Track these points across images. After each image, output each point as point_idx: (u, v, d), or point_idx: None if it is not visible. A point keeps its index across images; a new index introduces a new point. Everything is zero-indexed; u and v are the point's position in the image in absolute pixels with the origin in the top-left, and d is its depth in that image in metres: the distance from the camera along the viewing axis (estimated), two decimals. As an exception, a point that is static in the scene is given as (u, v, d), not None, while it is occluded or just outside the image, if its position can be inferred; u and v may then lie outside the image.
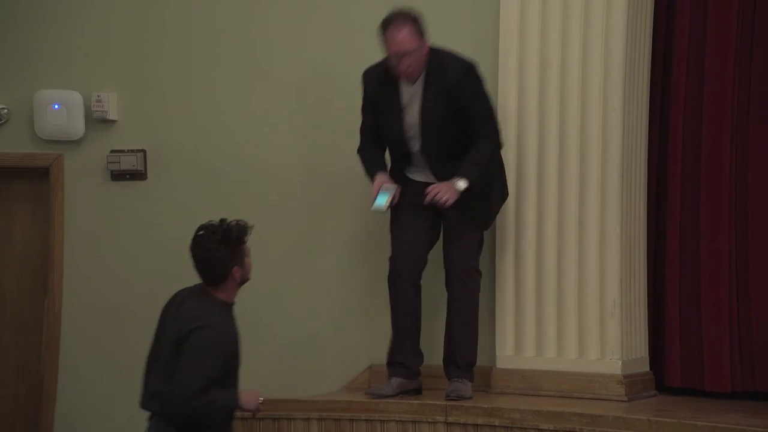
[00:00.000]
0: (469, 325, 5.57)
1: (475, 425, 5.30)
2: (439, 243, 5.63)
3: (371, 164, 5.55)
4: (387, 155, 5.64)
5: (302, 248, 6.21)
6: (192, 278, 4.88)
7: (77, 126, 6.42)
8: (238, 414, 4.92)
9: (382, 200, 5.40)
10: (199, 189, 6.31)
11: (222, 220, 4.81)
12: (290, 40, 6.22)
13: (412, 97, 5.42)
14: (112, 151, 6.40)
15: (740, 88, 5.67)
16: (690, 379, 5.73)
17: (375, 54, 5.51)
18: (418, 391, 5.62)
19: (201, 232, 4.80)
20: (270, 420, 5.51)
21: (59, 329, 6.45)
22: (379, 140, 5.58)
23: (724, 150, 5.67)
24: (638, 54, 5.69)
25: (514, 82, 5.75)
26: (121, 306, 6.36)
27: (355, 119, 5.68)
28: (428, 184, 5.41)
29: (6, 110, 6.53)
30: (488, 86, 5.53)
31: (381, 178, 5.47)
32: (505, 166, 5.64)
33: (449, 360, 5.57)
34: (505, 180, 5.64)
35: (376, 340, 5.90)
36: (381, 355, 5.75)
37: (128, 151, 6.38)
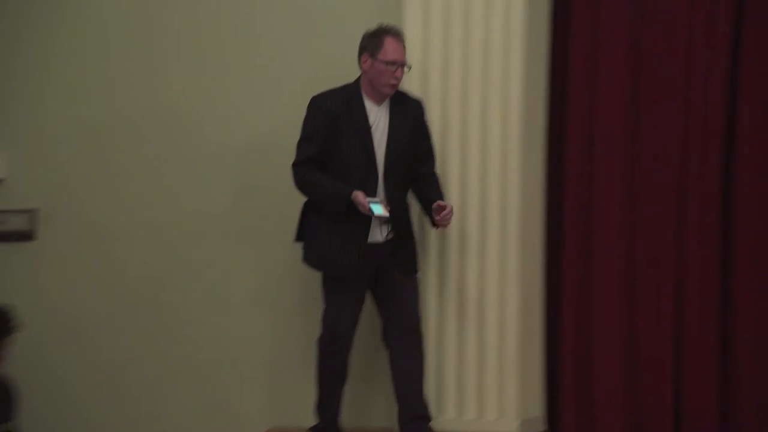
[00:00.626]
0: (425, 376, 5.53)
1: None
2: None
3: (334, 183, 5.31)
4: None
5: (203, 308, 6.13)
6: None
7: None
8: None
9: (378, 208, 5.22)
10: (91, 251, 6.18)
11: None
12: (186, 95, 6.16)
13: (377, 118, 5.40)
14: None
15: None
16: (585, 437, 5.84)
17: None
18: None
19: None
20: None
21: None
22: (324, 171, 5.38)
23: (617, 209, 5.84)
24: (536, 67, 5.80)
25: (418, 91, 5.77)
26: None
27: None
28: (371, 245, 5.36)
29: None
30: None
31: (358, 192, 5.25)
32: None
33: (418, 416, 5.45)
34: None
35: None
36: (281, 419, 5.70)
37: (16, 211, 6.22)
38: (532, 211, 5.79)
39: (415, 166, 5.44)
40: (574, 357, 5.87)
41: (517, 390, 5.66)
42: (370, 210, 5.18)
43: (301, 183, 5.36)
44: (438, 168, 5.57)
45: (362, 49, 5.41)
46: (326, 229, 5.35)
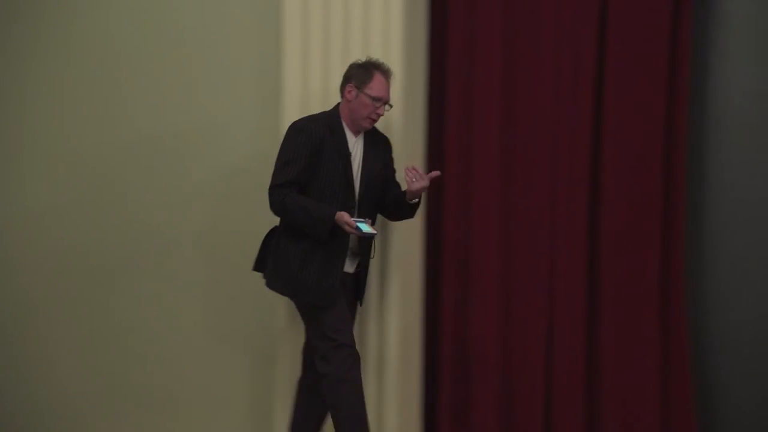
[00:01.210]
0: None
1: None
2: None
3: (317, 204, 5.22)
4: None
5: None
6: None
7: None
8: None
9: (366, 227, 5.13)
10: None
11: None
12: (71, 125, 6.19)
13: (354, 147, 5.36)
14: None
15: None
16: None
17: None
18: None
19: None
20: None
21: None
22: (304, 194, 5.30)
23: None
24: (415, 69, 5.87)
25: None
26: None
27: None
28: (346, 274, 5.34)
29: None
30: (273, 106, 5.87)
31: (343, 212, 5.18)
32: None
33: None
34: None
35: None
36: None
37: None
38: (411, 236, 5.83)
39: (382, 195, 5.46)
40: (452, 373, 6.00)
41: (397, 417, 5.69)
42: (358, 228, 5.12)
43: (281, 205, 5.22)
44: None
45: (348, 78, 5.37)
46: (301, 256, 5.25)
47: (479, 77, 5.97)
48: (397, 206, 5.42)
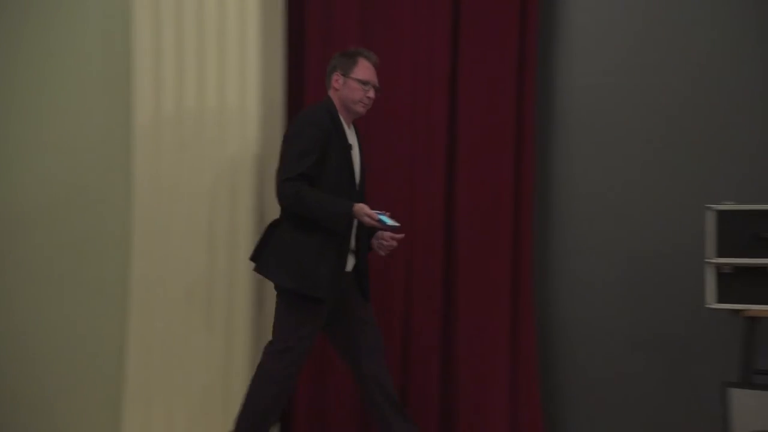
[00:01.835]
0: None
1: None
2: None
3: (333, 198, 5.10)
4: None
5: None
6: None
7: None
8: None
9: (387, 219, 4.99)
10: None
11: None
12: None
13: (350, 138, 5.31)
14: None
15: None
16: None
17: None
18: None
19: None
20: None
21: None
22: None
23: None
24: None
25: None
26: None
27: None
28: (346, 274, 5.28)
29: None
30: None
31: (362, 204, 5.09)
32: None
33: None
34: None
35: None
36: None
37: None
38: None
39: None
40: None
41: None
42: (380, 221, 4.98)
43: (296, 198, 5.05)
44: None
45: (333, 69, 5.33)
46: (311, 250, 5.12)
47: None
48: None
